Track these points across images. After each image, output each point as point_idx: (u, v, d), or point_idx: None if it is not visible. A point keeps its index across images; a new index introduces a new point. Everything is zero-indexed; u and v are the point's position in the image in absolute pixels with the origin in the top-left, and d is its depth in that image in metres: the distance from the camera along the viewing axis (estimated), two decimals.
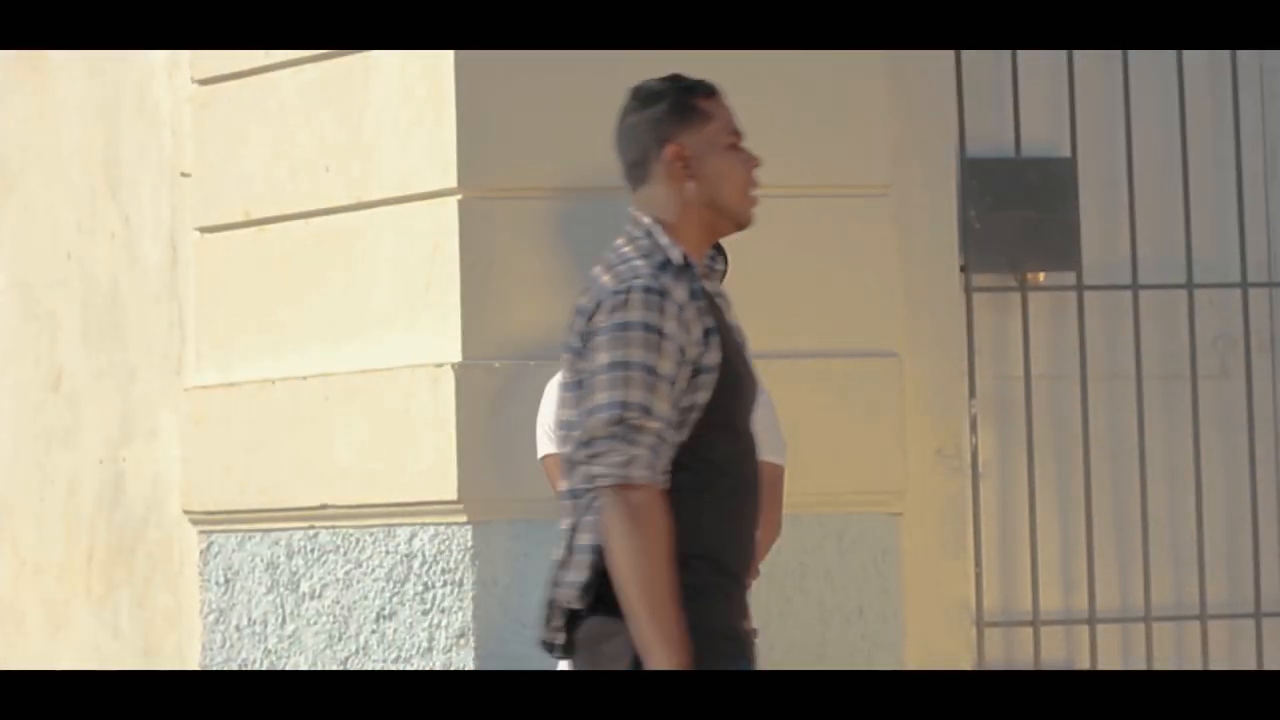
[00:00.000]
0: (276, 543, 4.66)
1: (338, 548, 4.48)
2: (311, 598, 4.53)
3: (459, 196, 4.29)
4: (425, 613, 4.27)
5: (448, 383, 4.23)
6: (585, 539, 3.01)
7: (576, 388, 3.03)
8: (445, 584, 4.23)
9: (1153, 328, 4.84)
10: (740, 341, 3.18)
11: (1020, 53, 4.67)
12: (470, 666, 4.17)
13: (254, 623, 4.68)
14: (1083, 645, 4.70)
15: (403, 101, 4.38)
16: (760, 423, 3.97)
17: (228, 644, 4.70)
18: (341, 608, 4.44)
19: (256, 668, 4.61)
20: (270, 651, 4.60)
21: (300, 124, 4.59)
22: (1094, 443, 4.75)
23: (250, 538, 4.73)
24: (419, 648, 4.28)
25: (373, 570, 4.37)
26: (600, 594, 2.96)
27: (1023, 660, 4.68)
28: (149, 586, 4.96)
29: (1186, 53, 4.74)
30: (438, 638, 4.25)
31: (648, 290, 3.00)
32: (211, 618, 4.74)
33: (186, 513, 4.82)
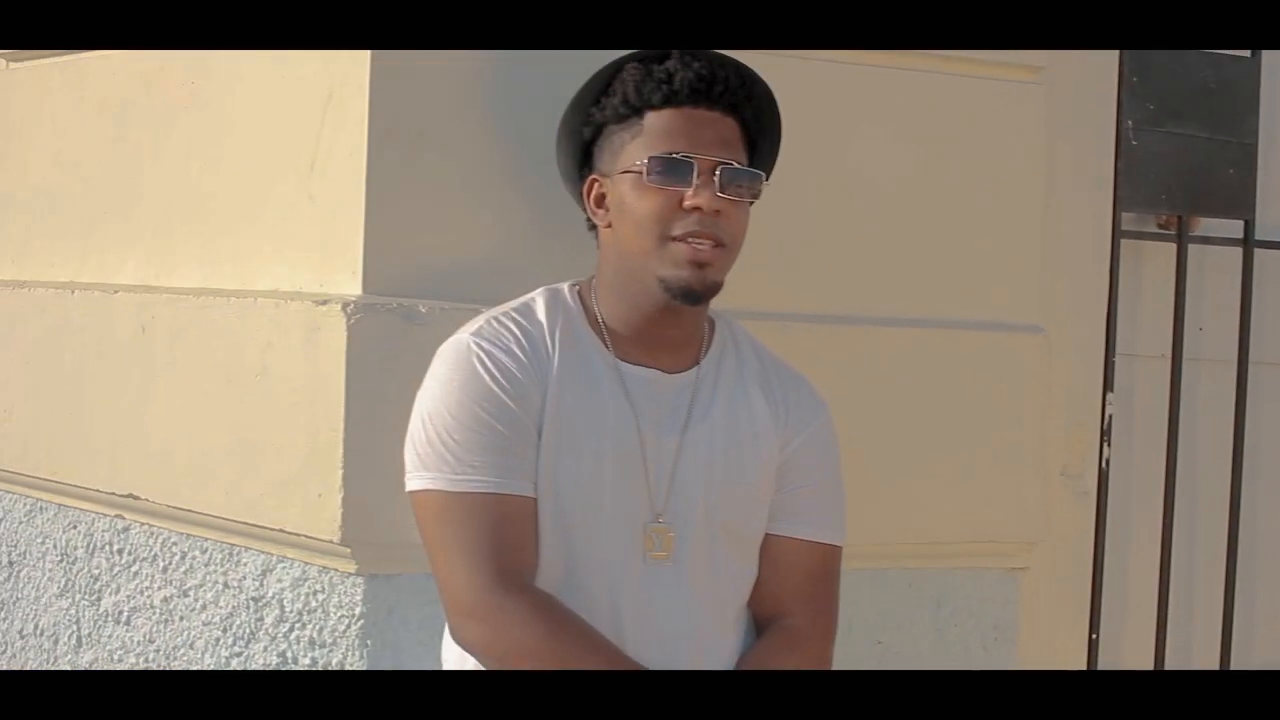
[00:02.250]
0: (74, 526, 3.16)
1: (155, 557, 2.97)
2: (117, 622, 3.03)
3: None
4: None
5: (337, 325, 2.67)
6: None
7: None
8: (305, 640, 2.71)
9: None
10: None
11: None
12: None
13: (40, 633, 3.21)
14: None
15: None
16: (813, 481, 2.41)
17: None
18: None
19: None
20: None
21: None
22: (1256, 452, 3.33)
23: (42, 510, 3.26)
24: None
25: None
26: None
27: None
28: None
29: None
30: None
31: None
32: None
33: None
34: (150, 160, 3.08)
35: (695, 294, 2.23)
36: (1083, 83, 3.21)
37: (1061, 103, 3.13)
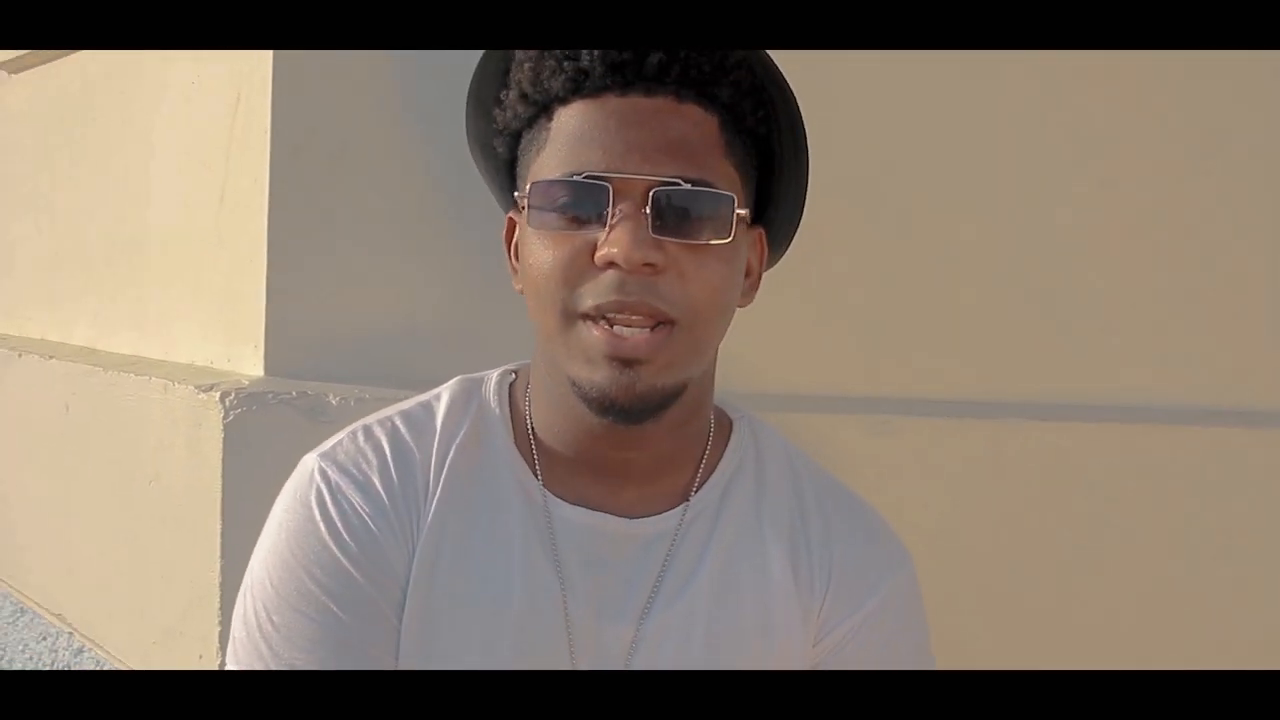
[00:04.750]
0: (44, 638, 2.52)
1: None
2: None
3: None
4: None
5: (214, 422, 1.93)
6: None
7: None
8: None
9: None
10: None
11: None
12: None
13: None
14: None
15: None
16: None
17: None
18: None
19: None
20: None
21: None
22: None
23: None
24: None
25: None
26: None
27: None
28: None
29: None
30: None
31: None
32: None
33: None
34: (74, 190, 2.40)
35: (619, 408, 1.35)
36: None
37: None
